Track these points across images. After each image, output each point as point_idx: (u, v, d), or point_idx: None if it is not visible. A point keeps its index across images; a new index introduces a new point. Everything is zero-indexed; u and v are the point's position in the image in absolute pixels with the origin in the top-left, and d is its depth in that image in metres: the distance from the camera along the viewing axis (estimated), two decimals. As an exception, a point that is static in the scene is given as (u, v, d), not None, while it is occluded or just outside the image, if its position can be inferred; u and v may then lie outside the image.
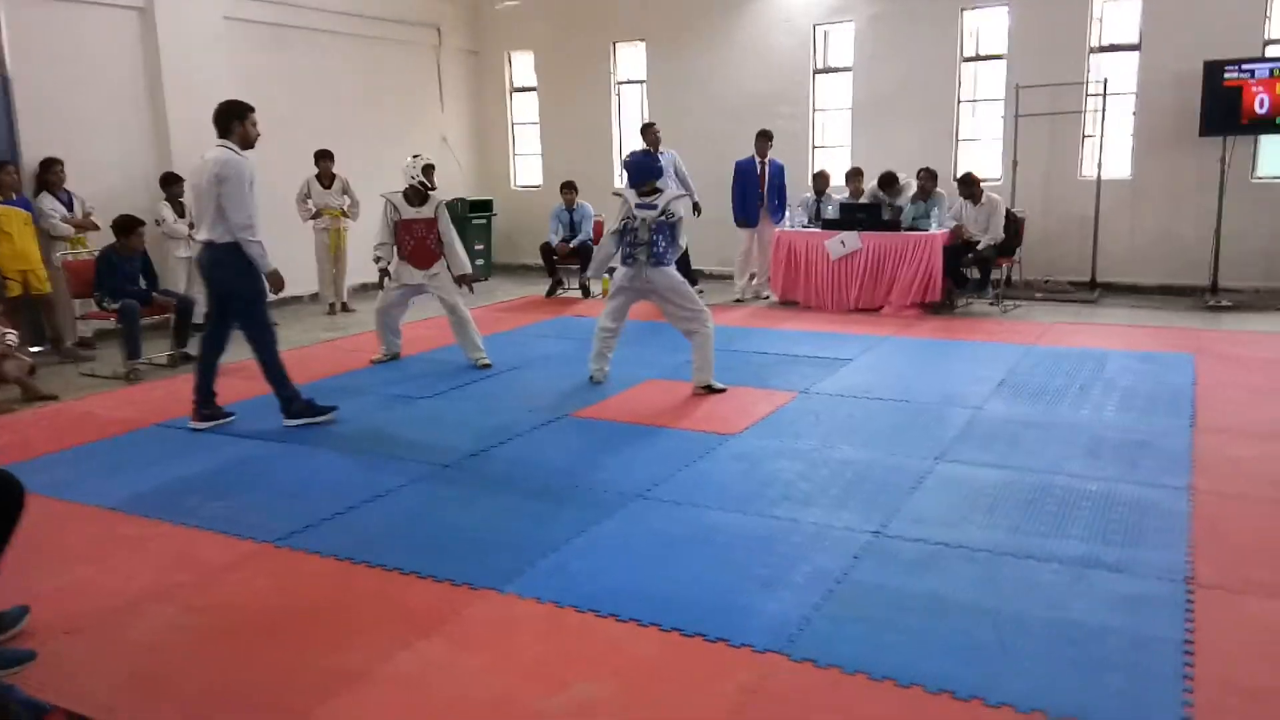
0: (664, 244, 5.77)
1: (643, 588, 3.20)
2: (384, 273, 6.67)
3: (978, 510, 3.80)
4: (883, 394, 5.65)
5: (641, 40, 11.37)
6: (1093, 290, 9.10)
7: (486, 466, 4.55)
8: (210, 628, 3.05)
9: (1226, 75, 8.15)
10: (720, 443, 4.78)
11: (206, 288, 5.31)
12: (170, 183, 8.01)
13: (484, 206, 11.81)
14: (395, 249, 6.62)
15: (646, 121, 9.64)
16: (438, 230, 6.63)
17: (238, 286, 5.05)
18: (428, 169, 6.70)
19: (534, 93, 12.28)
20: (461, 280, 6.77)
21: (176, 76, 8.37)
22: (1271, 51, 8.43)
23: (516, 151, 12.70)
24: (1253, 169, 8.71)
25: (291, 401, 5.27)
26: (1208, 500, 3.80)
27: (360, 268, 9.32)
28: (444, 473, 4.47)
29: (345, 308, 9.45)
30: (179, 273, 7.99)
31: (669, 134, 10.05)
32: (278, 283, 5.14)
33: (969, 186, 8.55)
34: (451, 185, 11.81)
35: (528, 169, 12.73)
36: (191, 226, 8.06)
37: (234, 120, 4.97)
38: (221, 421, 5.32)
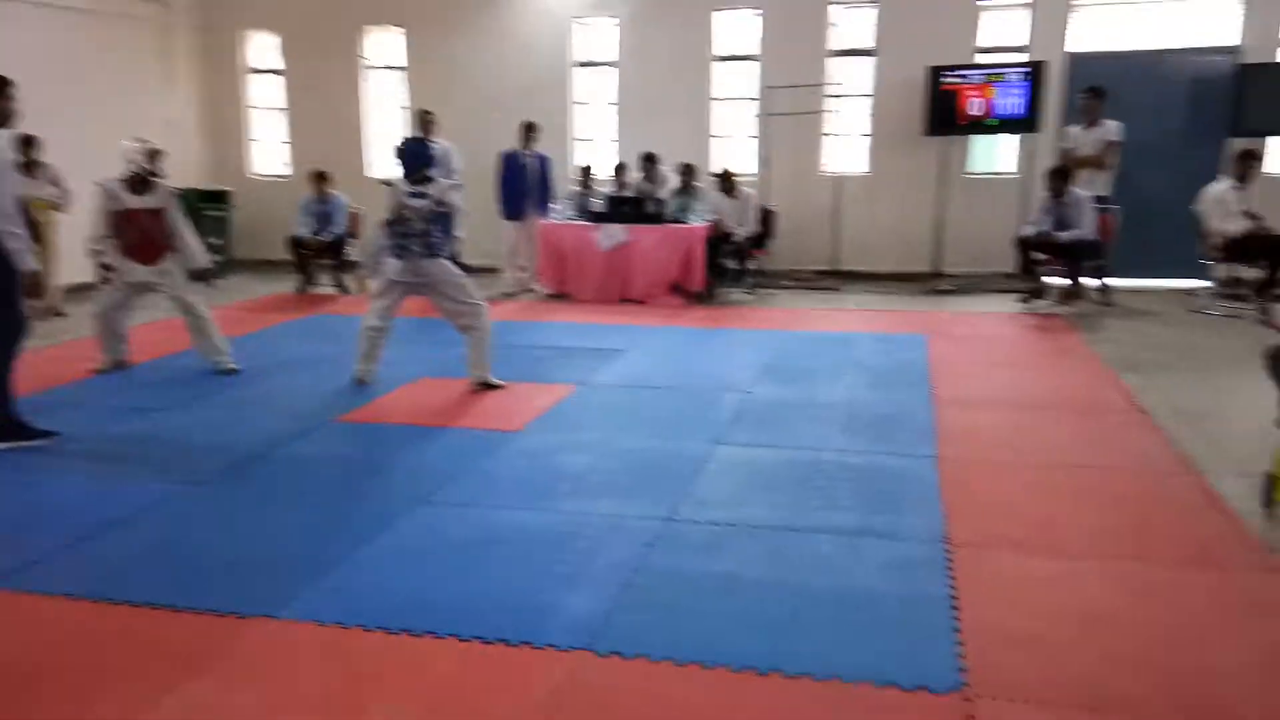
0: (438, 235, 5.56)
1: (436, 598, 3.04)
2: (105, 268, 5.93)
3: (757, 489, 3.95)
4: (658, 382, 5.76)
5: (400, 27, 10.92)
6: (835, 279, 9.80)
7: (245, 482, 4.16)
8: (-84, 693, 2.57)
9: (944, 80, 9.03)
10: (502, 440, 4.67)
11: None
12: None
13: (219, 197, 10.89)
14: (115, 243, 5.91)
15: (423, 109, 9.25)
16: (166, 221, 5.99)
17: None
18: (153, 154, 6.05)
19: (277, 76, 11.47)
20: (200, 275, 6.19)
21: None
22: (980, 59, 9.42)
23: (253, 137, 11.81)
24: (965, 165, 9.71)
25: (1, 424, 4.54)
26: (953, 466, 4.17)
27: (71, 266, 8.35)
28: (195, 491, 4.04)
29: (56, 312, 8.35)
30: None
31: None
32: (36, 290, 4.47)
33: (726, 181, 8.93)
34: (185, 174, 10.83)
35: (268, 156, 11.88)
36: None
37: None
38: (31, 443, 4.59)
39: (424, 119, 9.15)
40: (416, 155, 5.66)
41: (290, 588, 3.12)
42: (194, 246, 6.09)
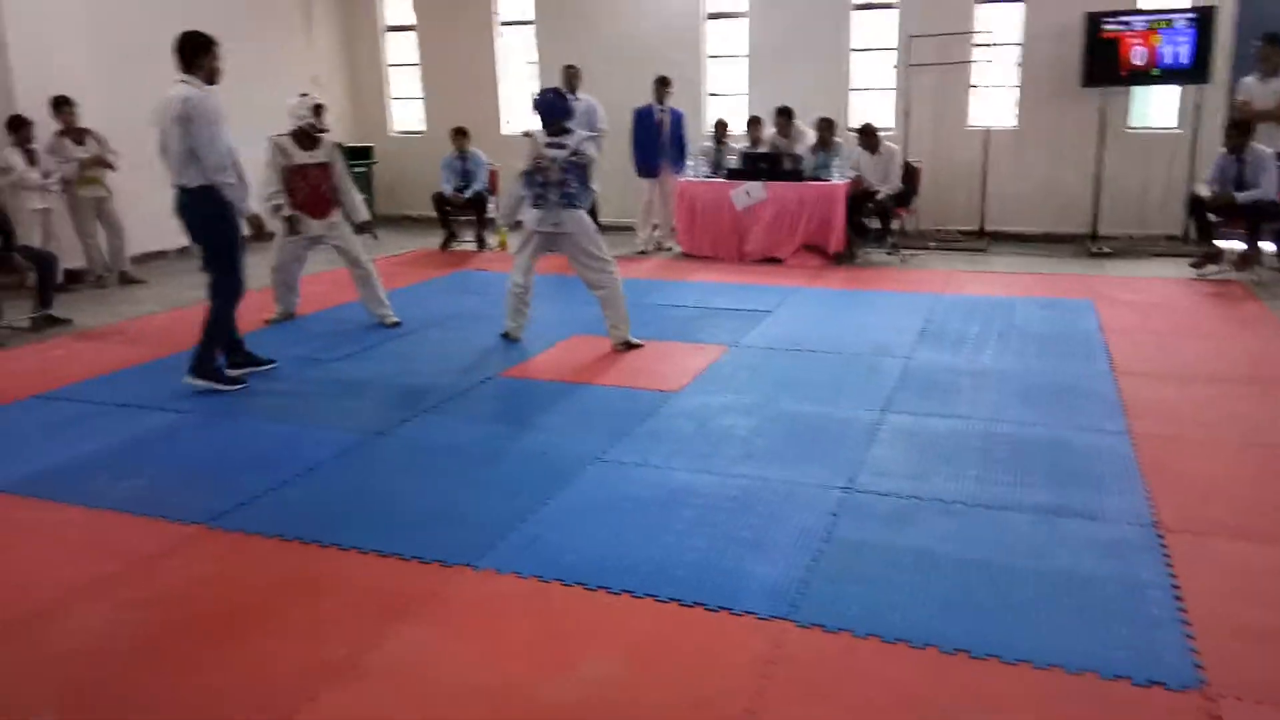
0: (576, 185, 5.52)
1: (627, 557, 3.05)
2: (288, 220, 6.08)
3: (938, 461, 3.82)
4: (811, 345, 5.64)
5: (529, -22, 10.90)
6: (982, 239, 9.41)
7: (423, 433, 4.28)
8: (156, 625, 2.73)
9: (1105, 27, 8.47)
10: (663, 400, 4.66)
11: (187, 234, 4.90)
12: (18, 126, 7.14)
13: (363, 154, 11.16)
14: (288, 198, 6.09)
15: (568, 65, 9.24)
16: (333, 175, 6.17)
17: (211, 233, 4.72)
18: (318, 109, 6.19)
19: (410, 32, 11.63)
20: (362, 228, 6.35)
21: (14, 4, 7.42)
22: (1141, 4, 8.79)
23: (393, 95, 12.03)
24: (1126, 119, 9.12)
25: (205, 362, 4.87)
26: (1149, 443, 3.94)
27: (139, 235, 8.24)
28: (378, 441, 4.18)
29: (127, 277, 7.96)
30: (33, 226, 7.18)
31: (556, 80, 9.75)
32: (259, 225, 4.91)
33: (868, 137, 8.62)
34: (332, 130, 11.13)
35: (404, 114, 12.10)
36: (47, 175, 7.28)
37: (200, 53, 4.56)
38: (257, 369, 5.16)
39: (568, 74, 9.13)
40: (553, 106, 5.59)
41: (485, 539, 3.18)
42: (358, 201, 6.27)
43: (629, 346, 5.64)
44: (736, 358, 5.40)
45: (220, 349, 4.93)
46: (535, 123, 5.70)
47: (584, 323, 6.20)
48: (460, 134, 9.51)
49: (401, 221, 11.47)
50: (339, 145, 6.15)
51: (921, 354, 5.37)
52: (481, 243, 9.66)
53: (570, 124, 5.67)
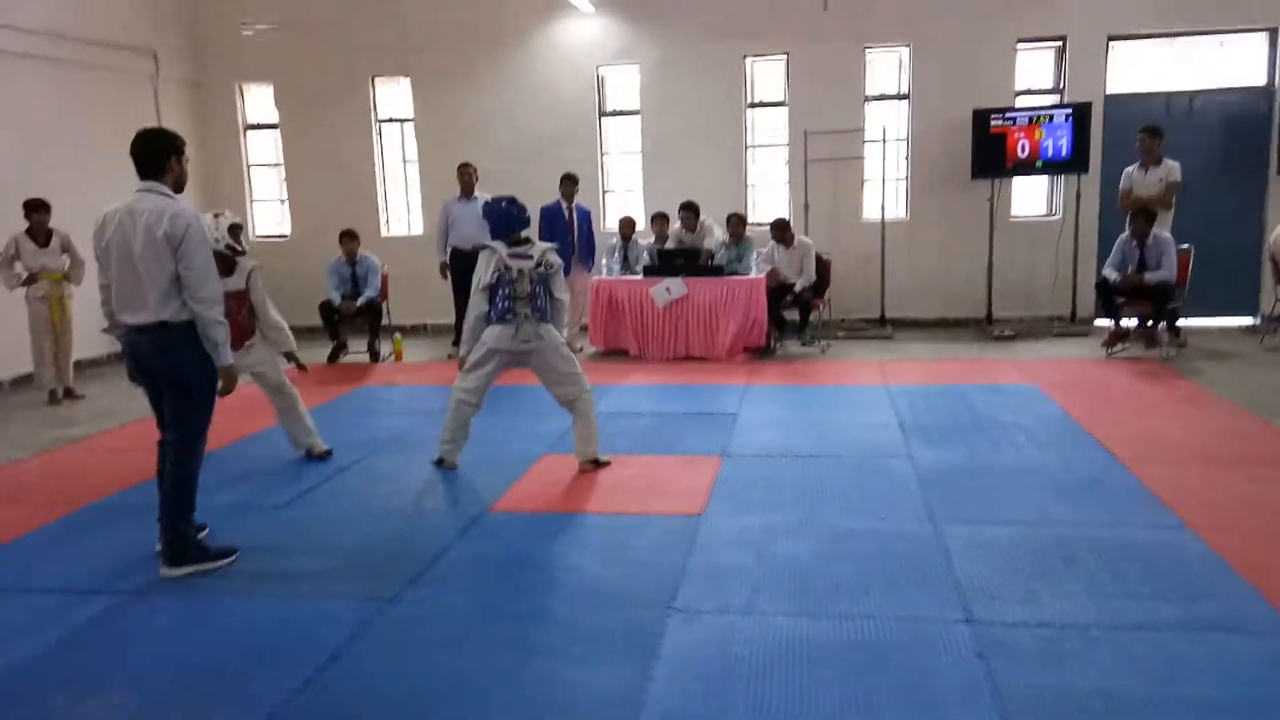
0: (544, 297, 5.08)
1: (791, 740, 2.56)
2: None
3: (1032, 577, 3.56)
4: (804, 450, 5.35)
5: (405, 76, 10.44)
6: (885, 326, 9.57)
7: (442, 593, 3.61)
8: None
9: (993, 122, 8.95)
10: (695, 525, 4.20)
11: (154, 383, 3.84)
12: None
13: (224, 260, 10.15)
14: None
15: (463, 163, 8.81)
16: (250, 302, 5.36)
17: (194, 380, 3.77)
18: (234, 229, 5.38)
19: (272, 130, 10.86)
20: (289, 358, 5.54)
21: None
22: (1021, 101, 9.39)
23: (255, 197, 11.13)
24: (1010, 209, 9.62)
25: (185, 544, 3.84)
26: (1214, 537, 3.85)
27: (85, 341, 7.69)
28: (395, 609, 3.47)
29: (70, 393, 7.56)
30: None
31: (441, 178, 9.40)
32: (231, 382, 3.85)
33: (782, 230, 8.64)
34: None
35: (267, 216, 11.21)
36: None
37: (170, 156, 3.75)
38: (219, 564, 3.91)
39: (464, 173, 8.72)
40: (510, 217, 5.08)
41: (607, 738, 2.60)
42: (280, 326, 5.46)
43: (597, 465, 5.15)
44: (739, 470, 5.02)
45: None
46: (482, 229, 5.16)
47: (545, 440, 5.69)
48: (350, 237, 8.81)
49: (270, 332, 10.44)
50: (258, 266, 5.37)
51: (922, 454, 5.19)
52: (375, 355, 8.89)
53: (525, 233, 5.17)
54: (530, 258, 5.01)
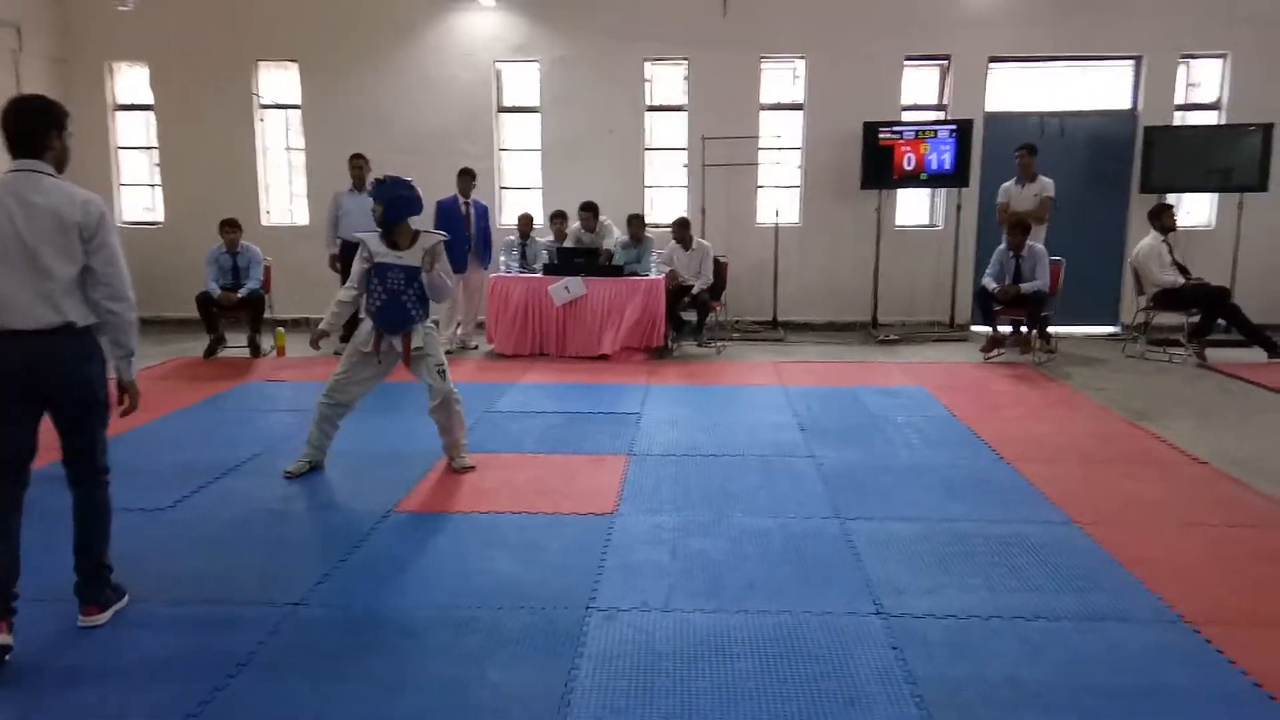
0: (417, 294, 4.83)
1: (721, 737, 2.57)
2: None
3: (934, 570, 3.70)
4: (708, 449, 5.40)
5: (293, 61, 10.04)
6: (777, 329, 9.78)
7: (353, 598, 3.46)
8: None
9: (881, 135, 9.26)
10: (608, 525, 4.18)
11: (34, 403, 3.12)
12: None
13: (90, 248, 9.52)
14: None
15: (354, 154, 8.52)
16: None
17: (98, 391, 3.18)
18: None
19: (143, 112, 10.26)
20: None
21: None
22: (907, 116, 9.75)
23: (122, 181, 10.49)
24: (895, 218, 9.98)
25: (108, 580, 3.32)
26: (1100, 532, 4.08)
27: None
28: (301, 614, 3.32)
29: None
30: None
31: (329, 169, 9.12)
32: (135, 397, 3.33)
33: (683, 229, 8.72)
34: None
35: (135, 202, 10.59)
36: None
37: (53, 129, 3.12)
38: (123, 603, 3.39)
39: (355, 164, 8.45)
40: (406, 201, 4.76)
41: (537, 742, 2.55)
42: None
43: (465, 469, 5.00)
44: (646, 469, 5.02)
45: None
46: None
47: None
48: (231, 226, 8.40)
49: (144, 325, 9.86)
50: None
51: (823, 453, 5.31)
52: (256, 349, 8.50)
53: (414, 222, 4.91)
54: (410, 249, 4.75)
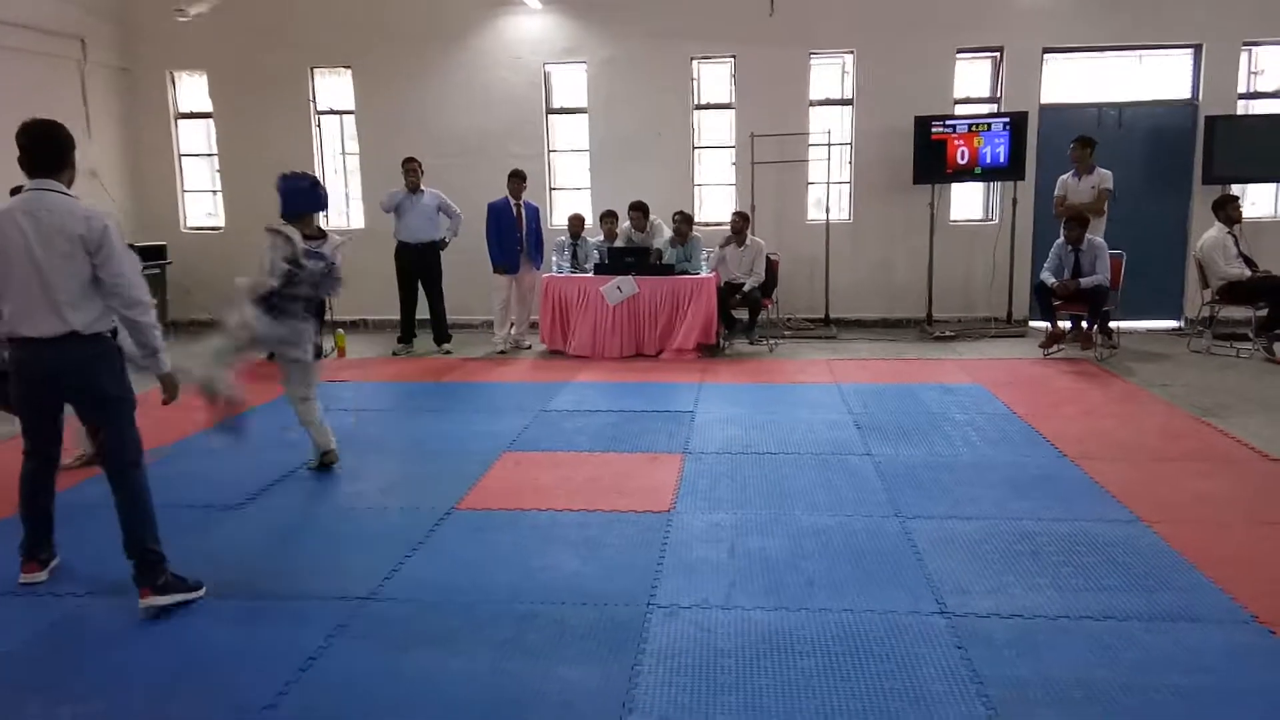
0: (316, 300, 4.91)
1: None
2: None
3: (999, 569, 3.66)
4: (764, 448, 5.39)
5: (346, 68, 10.22)
6: (829, 326, 9.71)
7: (420, 592, 3.53)
8: None
9: (934, 129, 9.15)
10: (665, 522, 4.21)
11: (56, 404, 3.51)
12: None
13: (155, 254, 9.82)
14: None
15: (407, 157, 8.67)
16: None
17: (120, 393, 3.44)
18: None
19: (205, 120, 10.52)
20: None
21: None
22: (960, 110, 9.62)
23: (186, 188, 10.76)
24: (949, 213, 9.86)
25: (162, 567, 3.44)
26: (1167, 530, 4.00)
27: None
28: (370, 608, 3.39)
29: None
30: None
31: (383, 172, 9.26)
32: (175, 390, 3.59)
33: (743, 221, 8.73)
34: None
35: (199, 208, 10.86)
36: None
37: (71, 151, 3.43)
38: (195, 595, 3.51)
39: (408, 168, 8.58)
40: (308, 195, 4.80)
41: (605, 737, 2.58)
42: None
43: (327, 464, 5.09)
44: (701, 467, 5.04)
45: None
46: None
47: (504, 437, 5.63)
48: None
49: (198, 327, 10.11)
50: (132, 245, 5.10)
51: (880, 450, 5.28)
52: (317, 350, 8.64)
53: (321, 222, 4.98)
54: (323, 256, 4.77)
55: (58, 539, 3.75)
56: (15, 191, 3.67)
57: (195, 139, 10.69)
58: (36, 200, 3.31)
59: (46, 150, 3.38)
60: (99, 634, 3.24)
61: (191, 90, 10.60)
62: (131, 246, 4.94)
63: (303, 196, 4.75)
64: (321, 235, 4.83)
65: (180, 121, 10.62)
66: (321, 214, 4.85)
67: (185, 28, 9.81)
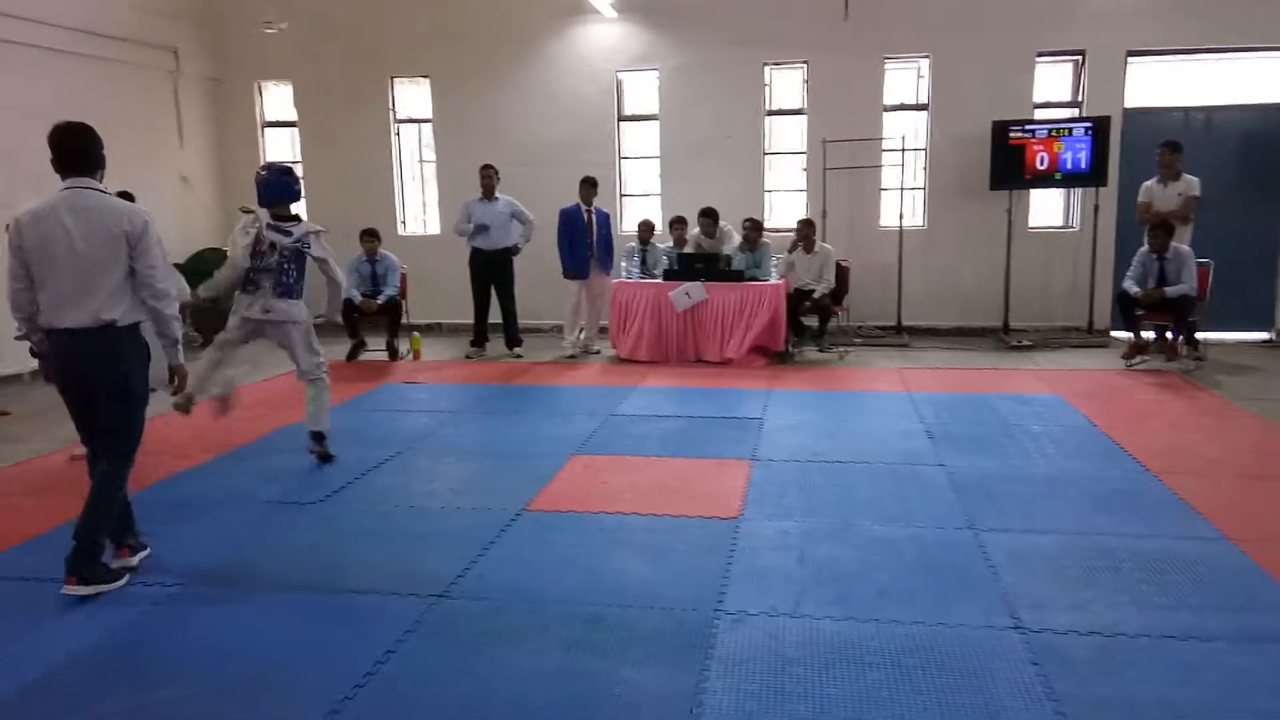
0: (295, 275, 5.13)
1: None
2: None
3: (1078, 585, 3.57)
4: (833, 456, 5.35)
5: (424, 77, 10.46)
6: (901, 334, 9.58)
7: (492, 591, 3.60)
8: None
9: (1012, 134, 8.97)
10: (733, 529, 4.21)
11: (88, 392, 3.62)
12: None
13: (240, 257, 10.15)
14: None
15: (485, 164, 8.83)
16: None
17: (137, 385, 3.69)
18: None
19: (290, 129, 10.87)
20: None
21: None
22: (1039, 114, 9.41)
23: (270, 194, 11.10)
24: (1027, 220, 9.64)
25: (97, 561, 3.58)
26: (1257, 550, 3.85)
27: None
28: (444, 606, 3.47)
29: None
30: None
31: (459, 179, 9.43)
32: (185, 381, 3.92)
33: (808, 229, 8.68)
34: (200, 234, 10.13)
35: (284, 214, 11.20)
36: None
37: (98, 150, 3.66)
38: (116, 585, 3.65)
39: (486, 174, 8.73)
40: (282, 187, 5.15)
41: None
42: None
43: (320, 442, 5.32)
44: (770, 474, 5.02)
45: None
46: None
47: (572, 441, 5.70)
48: (371, 236, 8.83)
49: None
50: (207, 251, 5.44)
51: (954, 461, 5.19)
52: (394, 353, 8.89)
53: (295, 210, 5.27)
54: (289, 234, 5.09)
55: (144, 530, 3.92)
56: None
57: (280, 147, 11.04)
58: (76, 197, 3.54)
59: (76, 150, 3.60)
60: (184, 625, 3.37)
61: (277, 99, 10.95)
62: (215, 252, 5.28)
63: (275, 187, 5.14)
64: (293, 219, 5.15)
65: (266, 130, 10.98)
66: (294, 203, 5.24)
67: (272, 39, 10.18)
